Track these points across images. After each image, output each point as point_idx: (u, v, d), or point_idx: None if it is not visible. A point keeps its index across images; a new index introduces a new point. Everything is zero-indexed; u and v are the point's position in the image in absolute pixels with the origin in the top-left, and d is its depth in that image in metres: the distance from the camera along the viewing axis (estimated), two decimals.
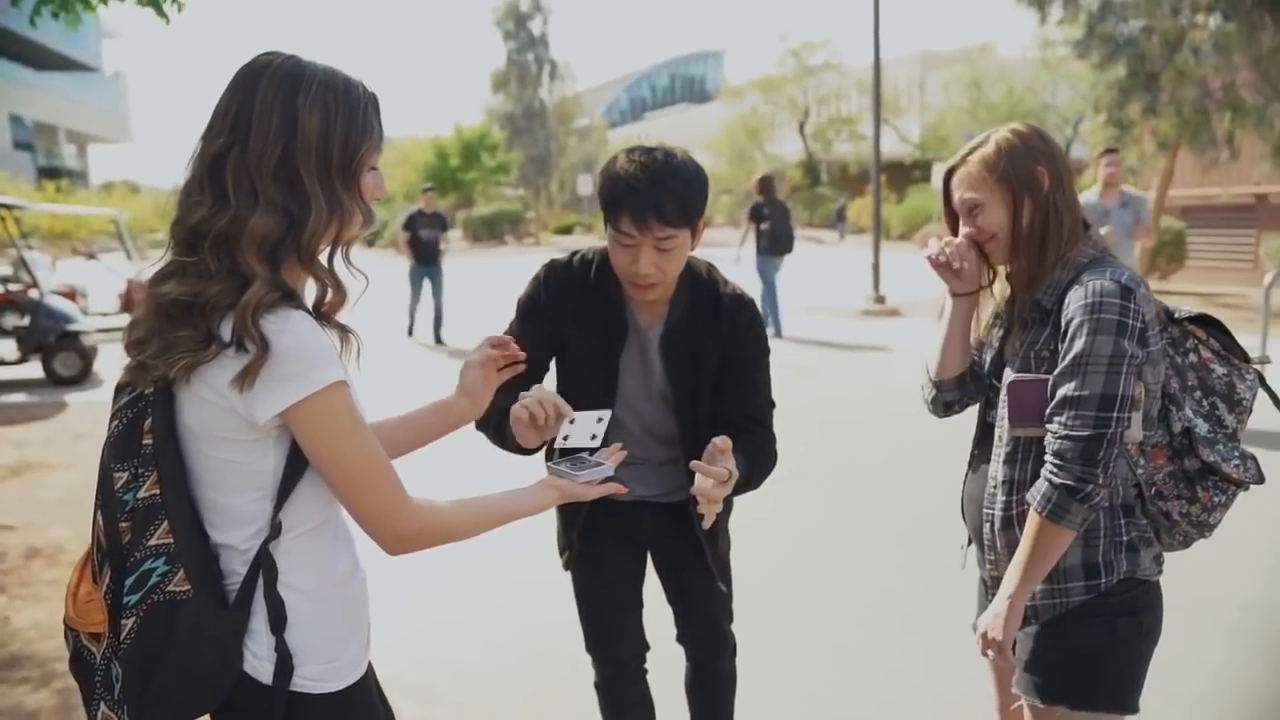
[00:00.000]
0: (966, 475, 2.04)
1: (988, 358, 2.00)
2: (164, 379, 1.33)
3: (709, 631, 2.43)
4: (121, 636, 1.33)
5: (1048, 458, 1.73)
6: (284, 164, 1.32)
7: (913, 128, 36.07)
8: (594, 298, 2.13)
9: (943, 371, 2.05)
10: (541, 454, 2.08)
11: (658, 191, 1.90)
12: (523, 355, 1.79)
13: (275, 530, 1.36)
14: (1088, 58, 15.09)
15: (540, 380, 2.18)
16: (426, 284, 11.63)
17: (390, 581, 3.37)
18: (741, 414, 2.10)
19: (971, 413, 2.12)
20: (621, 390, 2.16)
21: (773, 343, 2.22)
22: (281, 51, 1.39)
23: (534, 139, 43.01)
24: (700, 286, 2.13)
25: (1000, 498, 1.87)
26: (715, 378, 2.13)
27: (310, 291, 1.43)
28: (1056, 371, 1.74)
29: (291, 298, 1.34)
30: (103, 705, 1.37)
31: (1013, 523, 1.85)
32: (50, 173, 42.63)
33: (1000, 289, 1.99)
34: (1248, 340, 2.14)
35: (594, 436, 1.72)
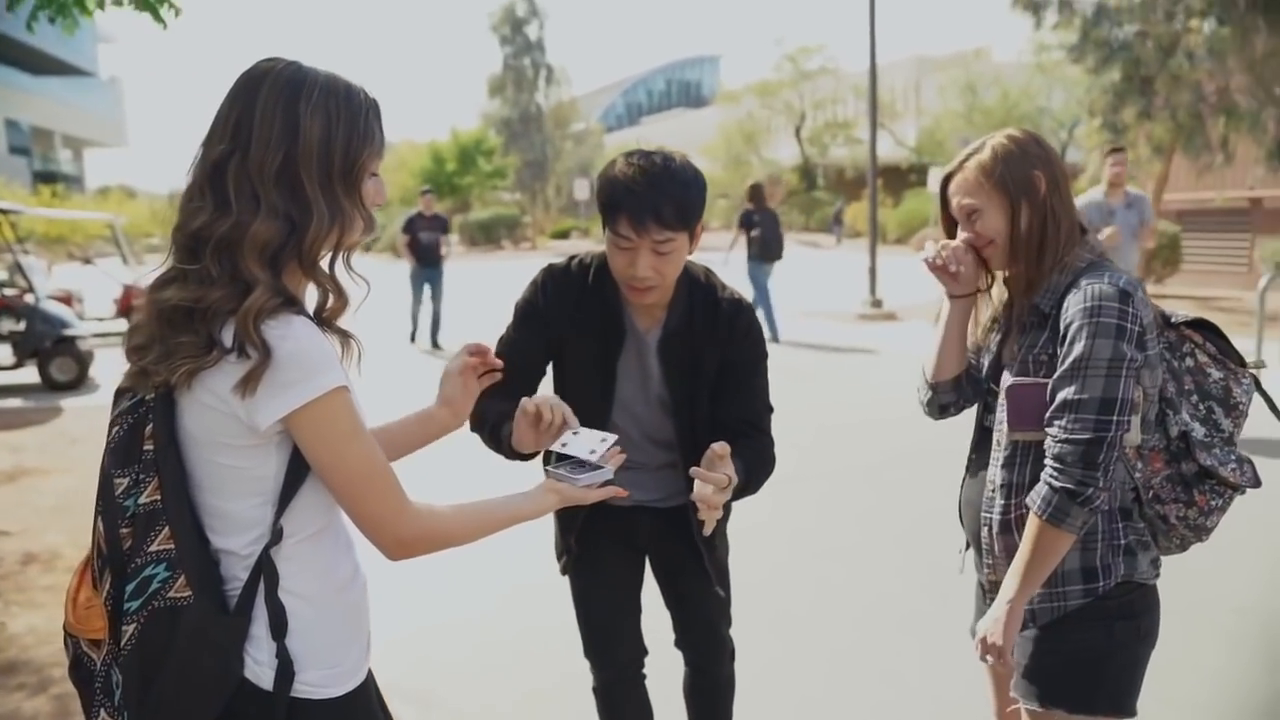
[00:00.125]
0: (964, 479, 2.05)
1: (985, 362, 2.01)
2: (165, 385, 1.33)
3: (707, 636, 2.43)
4: (122, 643, 1.33)
5: (1048, 461, 1.74)
6: (285, 170, 1.32)
7: (909, 132, 36.18)
8: (592, 302, 2.13)
9: (939, 373, 2.06)
10: (539, 461, 2.08)
11: (656, 194, 1.91)
12: (500, 364, 1.79)
13: (276, 536, 1.36)
14: (1082, 62, 15.15)
15: (537, 384, 2.19)
16: (427, 288, 11.51)
17: (387, 585, 3.36)
18: (740, 419, 2.11)
19: (968, 416, 2.13)
20: (619, 394, 2.17)
21: (770, 347, 2.22)
22: (283, 58, 1.39)
23: (530, 143, 42.98)
24: (698, 291, 2.14)
25: (999, 501, 1.88)
26: (713, 382, 2.13)
27: (311, 297, 1.43)
28: (1056, 375, 1.74)
29: (293, 303, 1.34)
30: (103, 712, 1.36)
31: (1011, 526, 1.86)
32: (46, 177, 42.54)
33: (998, 293, 2.00)
34: (1242, 343, 2.14)
35: (592, 451, 1.73)
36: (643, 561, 2.41)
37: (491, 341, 2.20)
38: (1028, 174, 1.83)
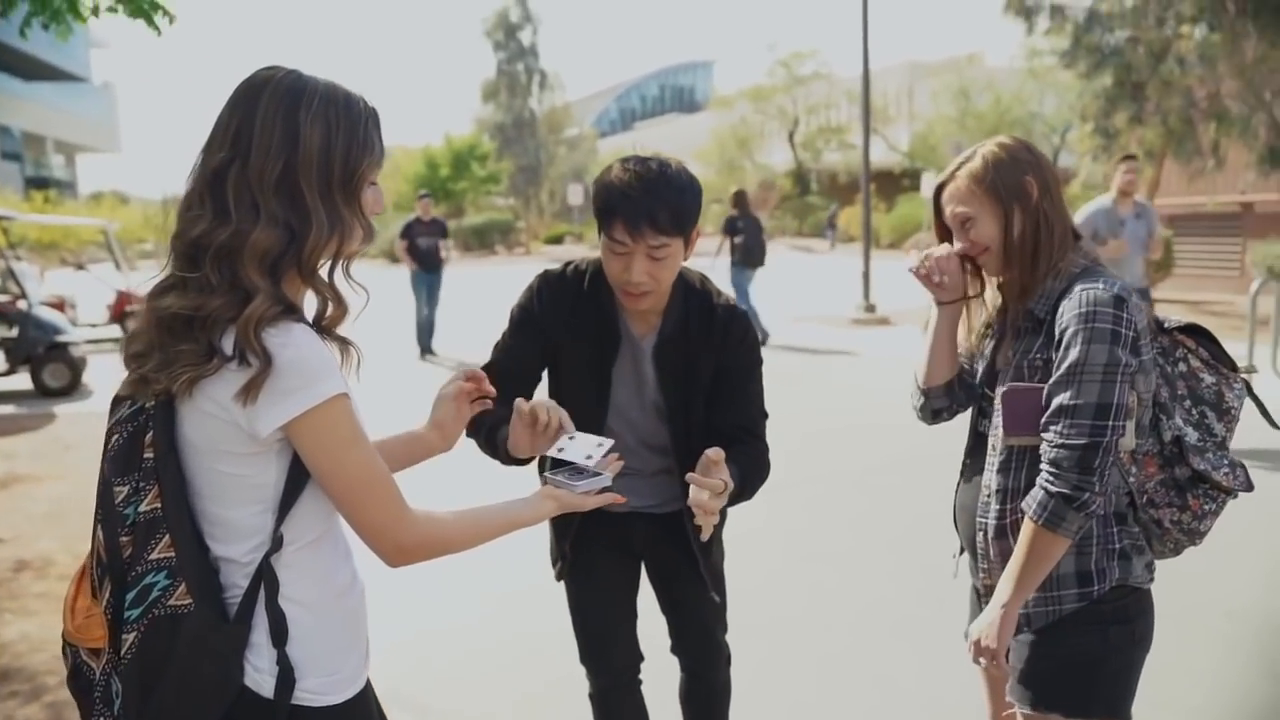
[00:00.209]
0: (958, 484, 2.05)
1: (980, 367, 2.02)
2: (166, 393, 1.33)
3: (703, 642, 2.43)
4: (122, 652, 1.32)
5: (1044, 466, 1.74)
6: (285, 178, 1.33)
7: (901, 137, 36.28)
8: (587, 307, 2.13)
9: (930, 379, 2.07)
10: (536, 467, 2.08)
11: (651, 200, 1.92)
12: (493, 391, 1.80)
13: (276, 543, 1.36)
14: (1074, 67, 15.22)
15: (532, 391, 2.19)
16: (427, 293, 11.30)
17: (380, 591, 3.36)
18: (735, 424, 2.11)
19: (961, 420, 2.13)
20: (614, 400, 2.17)
21: (763, 351, 2.23)
22: (282, 66, 1.39)
23: (524, 149, 43.02)
24: (694, 297, 2.14)
25: (994, 506, 1.88)
26: (708, 388, 2.14)
27: (310, 305, 1.43)
28: (1051, 380, 1.75)
29: (293, 311, 1.34)
30: None
31: (1006, 531, 1.86)
32: (38, 183, 42.50)
33: (992, 298, 2.01)
34: (1234, 347, 2.15)
35: (589, 457, 1.73)
36: (638, 567, 2.41)
37: (486, 348, 2.22)
38: (1019, 180, 1.84)
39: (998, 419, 1.87)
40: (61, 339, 9.70)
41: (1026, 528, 1.77)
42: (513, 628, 3.93)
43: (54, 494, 5.88)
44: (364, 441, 1.37)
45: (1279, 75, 12.94)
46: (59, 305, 11.72)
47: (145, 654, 1.31)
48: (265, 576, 1.36)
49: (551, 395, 2.23)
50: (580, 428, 2.17)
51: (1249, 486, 1.84)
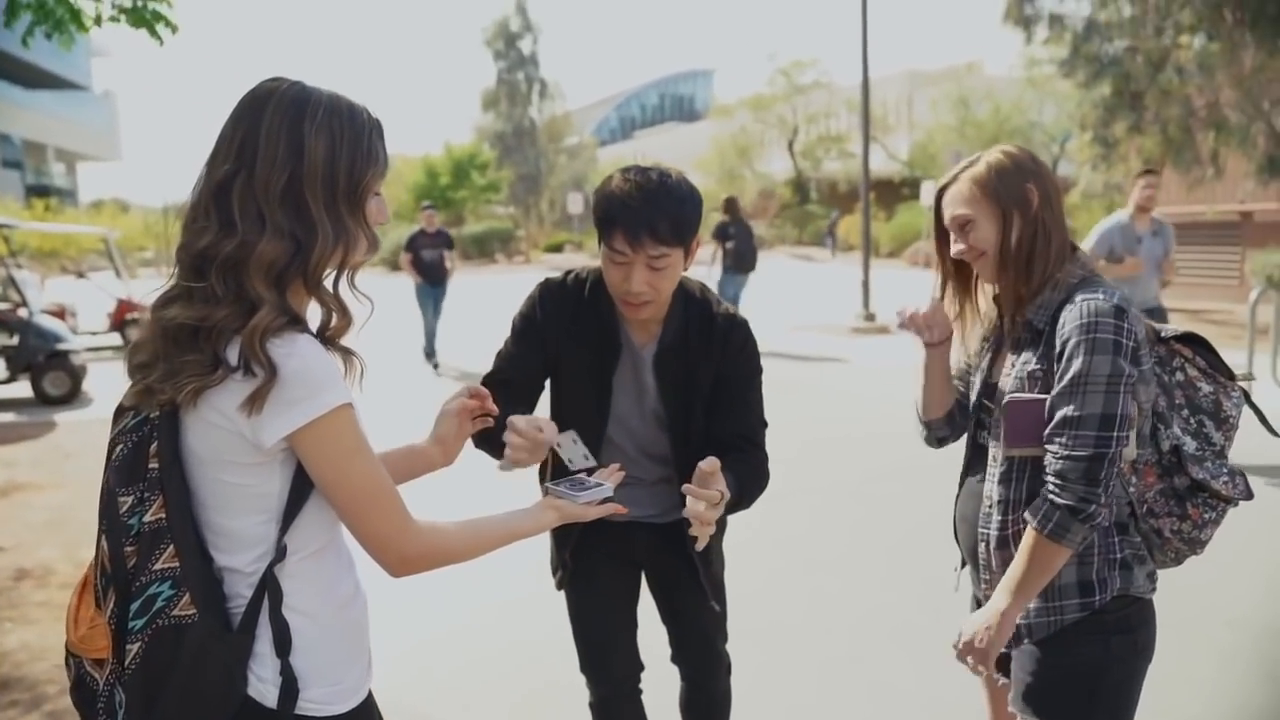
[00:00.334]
0: (958, 495, 2.06)
1: (976, 380, 2.02)
2: (170, 403, 1.33)
3: (703, 651, 2.43)
4: (126, 662, 1.32)
5: (1049, 478, 1.74)
6: (290, 190, 1.33)
7: (901, 146, 36.34)
8: (588, 316, 2.14)
9: (929, 413, 2.12)
10: (536, 477, 2.08)
11: (651, 210, 1.92)
12: (496, 410, 1.80)
13: (280, 553, 1.37)
14: (1073, 77, 15.26)
15: (536, 399, 2.20)
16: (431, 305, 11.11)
17: (383, 601, 3.36)
18: (734, 433, 2.12)
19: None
20: (615, 409, 2.18)
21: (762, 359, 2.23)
22: (286, 78, 1.40)
23: (524, 157, 43.08)
24: (694, 306, 2.15)
25: (995, 517, 1.88)
26: (708, 397, 2.14)
27: (315, 316, 1.44)
28: (1055, 392, 1.75)
29: (298, 322, 1.35)
30: None
31: (1009, 542, 1.86)
32: (39, 191, 42.52)
33: (988, 310, 2.02)
34: (1234, 356, 2.16)
35: (586, 456, 1.73)
36: (639, 576, 2.41)
37: (487, 357, 2.22)
38: (1021, 187, 1.85)
39: (998, 430, 1.87)
40: (62, 347, 9.70)
41: (1029, 537, 1.77)
42: (513, 636, 3.92)
43: (54, 502, 5.88)
44: (368, 452, 1.37)
45: (1277, 84, 12.98)
46: (59, 313, 11.74)
47: (149, 664, 1.31)
48: (269, 586, 1.36)
49: (553, 403, 2.24)
50: (581, 436, 2.18)
51: (1249, 495, 1.84)
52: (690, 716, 2.51)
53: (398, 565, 1.42)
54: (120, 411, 1.42)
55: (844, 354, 11.63)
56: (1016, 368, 1.86)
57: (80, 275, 15.57)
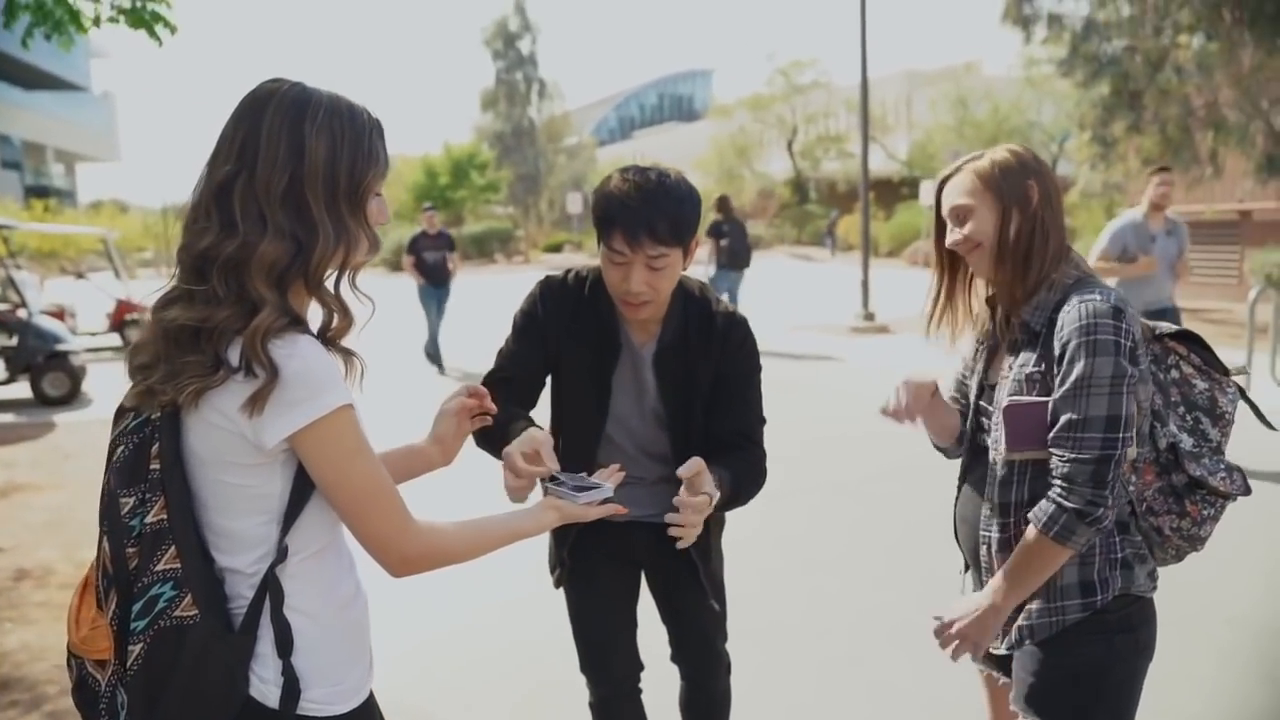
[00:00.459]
0: (957, 497, 2.06)
1: (973, 383, 2.02)
2: (171, 404, 1.33)
3: (703, 650, 2.43)
4: (128, 663, 1.33)
5: (1056, 481, 1.74)
6: (291, 191, 1.33)
7: (900, 145, 36.35)
8: (588, 314, 2.15)
9: (941, 440, 2.13)
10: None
11: (650, 210, 1.93)
12: (494, 409, 1.81)
13: (282, 554, 1.37)
14: (1072, 76, 15.27)
15: (537, 396, 2.20)
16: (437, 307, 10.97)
17: (383, 601, 3.36)
18: (733, 430, 2.12)
19: None
20: (614, 408, 2.18)
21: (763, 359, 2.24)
22: (287, 79, 1.40)
23: (523, 157, 43.10)
24: (693, 305, 2.15)
25: (997, 520, 1.88)
26: (708, 395, 2.15)
27: (315, 316, 1.44)
28: (1057, 396, 1.75)
29: (299, 323, 1.35)
30: None
31: (1011, 545, 1.86)
32: (38, 192, 42.51)
33: (980, 311, 2.01)
34: (1233, 355, 2.16)
35: (584, 475, 1.75)
36: (638, 576, 2.41)
37: (487, 357, 2.23)
38: (1023, 183, 1.85)
39: (998, 433, 1.87)
40: (61, 348, 9.71)
41: (1031, 537, 1.77)
42: (514, 636, 3.93)
43: (53, 503, 5.88)
44: (369, 453, 1.37)
45: (1276, 84, 13.00)
46: (59, 314, 11.74)
47: (151, 665, 1.31)
48: (270, 587, 1.36)
49: (552, 402, 2.24)
50: (580, 435, 2.19)
51: (1246, 490, 1.85)
52: (690, 716, 2.51)
53: (398, 565, 1.42)
54: (121, 413, 1.42)
55: (843, 353, 11.63)
56: (1014, 370, 1.85)
57: (79, 276, 15.56)
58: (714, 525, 2.31)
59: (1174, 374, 1.88)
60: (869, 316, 14.05)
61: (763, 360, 2.21)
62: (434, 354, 10.95)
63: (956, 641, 1.87)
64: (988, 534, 1.91)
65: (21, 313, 10.01)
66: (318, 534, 1.42)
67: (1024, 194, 1.85)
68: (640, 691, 2.46)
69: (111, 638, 1.35)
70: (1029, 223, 1.84)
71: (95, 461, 1.45)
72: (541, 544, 2.37)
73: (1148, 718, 1.90)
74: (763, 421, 2.18)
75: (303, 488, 1.37)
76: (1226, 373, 1.89)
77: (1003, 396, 1.86)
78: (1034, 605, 1.84)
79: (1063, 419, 1.73)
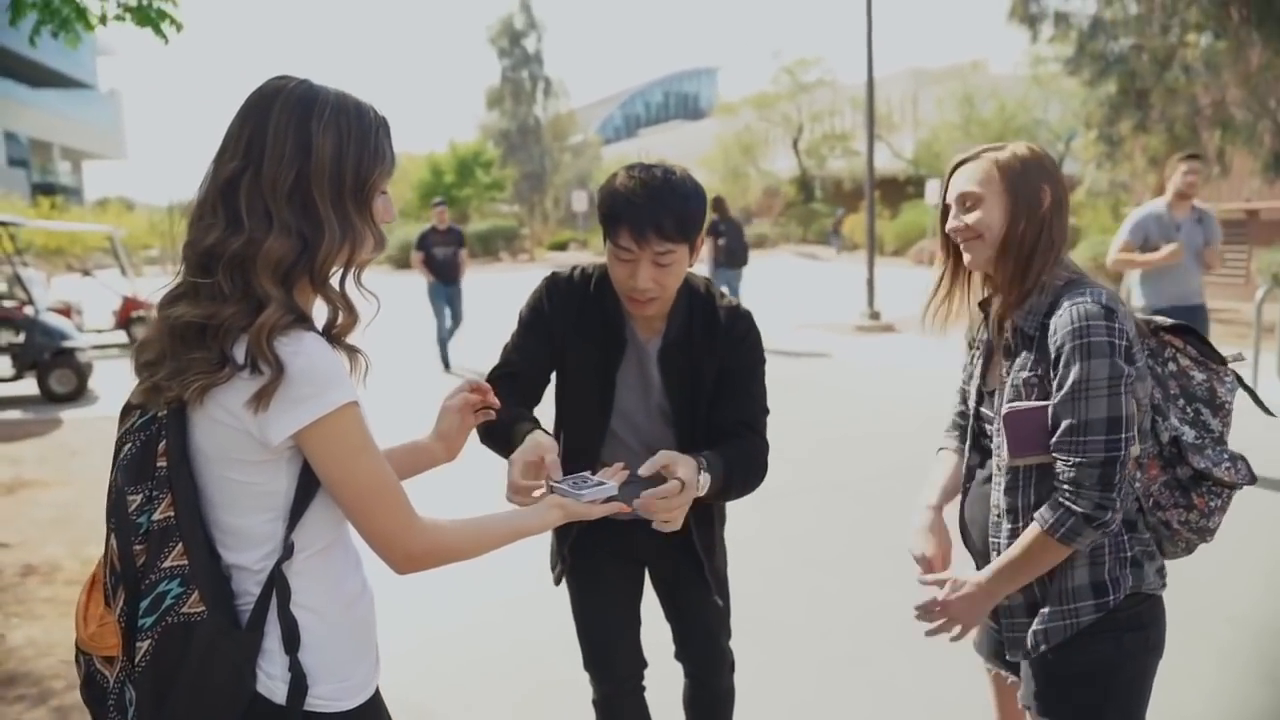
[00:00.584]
0: (964, 499, 2.05)
1: (971, 388, 2.01)
2: (177, 401, 1.34)
3: (707, 648, 2.43)
4: (136, 660, 1.33)
5: (1063, 485, 1.74)
6: (298, 187, 1.34)
7: (906, 144, 36.27)
8: (593, 311, 2.15)
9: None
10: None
11: (656, 207, 1.93)
12: (497, 403, 1.81)
13: (288, 551, 1.37)
14: (1079, 75, 15.23)
15: (542, 391, 2.20)
16: (446, 307, 10.80)
17: (388, 598, 3.38)
18: (735, 420, 2.12)
19: None
20: (619, 405, 2.18)
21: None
22: (293, 76, 1.40)
23: (529, 155, 43.11)
24: (698, 301, 2.16)
25: (1005, 525, 1.88)
26: (712, 391, 2.14)
27: (321, 313, 1.44)
28: (1057, 400, 1.74)
29: (305, 320, 1.35)
30: None
31: None
32: (45, 189, 42.64)
33: (974, 316, 2.00)
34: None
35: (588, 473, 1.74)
36: (642, 573, 2.41)
37: (494, 354, 2.23)
38: (1037, 185, 1.84)
39: (999, 439, 1.87)
40: (68, 345, 9.75)
41: (1035, 534, 1.77)
42: (517, 633, 3.93)
43: (60, 499, 5.90)
44: (374, 450, 1.38)
45: None
46: (65, 311, 11.77)
47: (159, 662, 1.32)
48: (277, 584, 1.37)
49: (558, 398, 2.25)
50: (585, 431, 2.19)
51: (1252, 479, 1.84)
52: (694, 714, 2.51)
53: (403, 562, 1.42)
54: (128, 410, 1.43)
55: (848, 352, 11.62)
56: (1011, 376, 1.84)
57: (86, 273, 15.60)
58: (716, 520, 2.31)
59: (1171, 367, 1.88)
60: (874, 315, 14.03)
61: (767, 359, 2.21)
62: (444, 352, 10.82)
63: (943, 619, 1.88)
64: (997, 540, 1.90)
65: (28, 310, 10.06)
66: (323, 531, 1.42)
67: (1037, 196, 1.83)
68: (643, 689, 2.46)
69: (119, 634, 1.35)
70: (1036, 226, 1.83)
71: (102, 458, 1.46)
72: (545, 542, 2.37)
73: (1148, 716, 1.89)
74: (766, 412, 2.18)
75: (308, 485, 1.38)
76: (1224, 362, 1.89)
77: (1002, 403, 1.85)
78: (1046, 609, 1.83)
79: (1064, 424, 1.73)
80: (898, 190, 33.83)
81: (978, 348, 2.01)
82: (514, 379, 2.12)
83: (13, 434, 8.12)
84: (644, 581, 2.42)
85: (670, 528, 1.84)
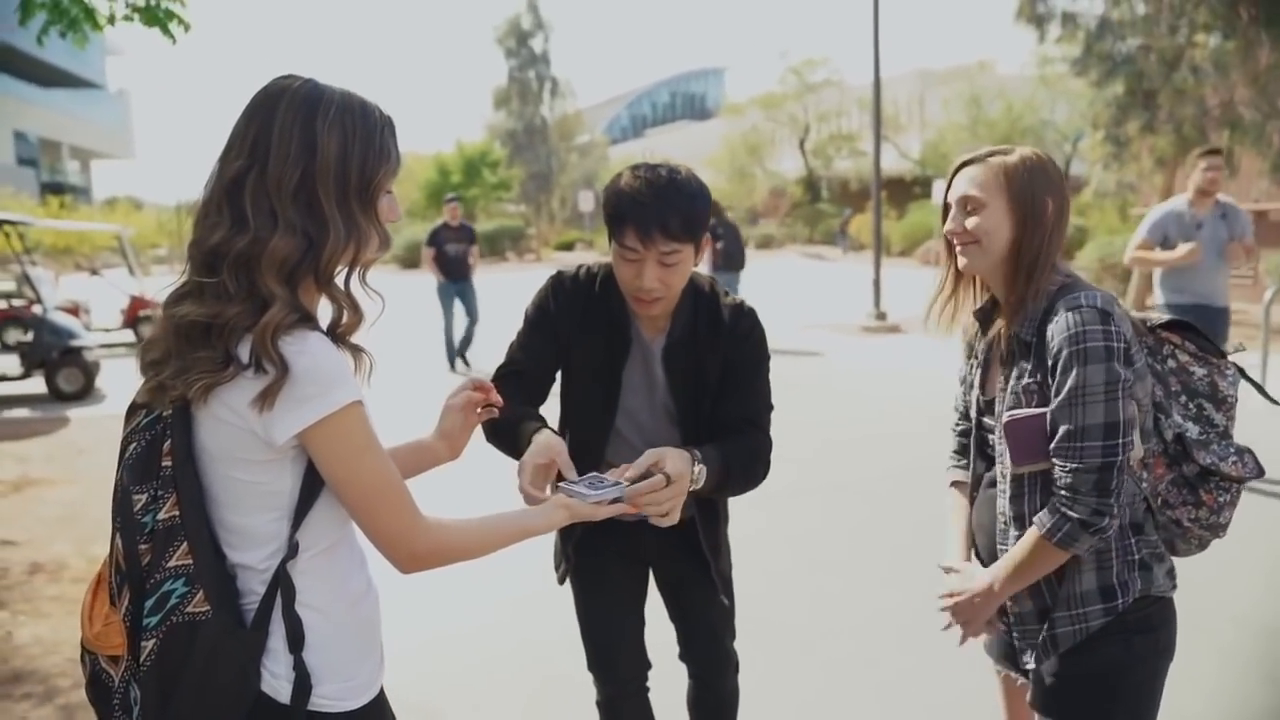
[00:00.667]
0: (972, 504, 2.04)
1: (972, 397, 2.01)
2: (182, 399, 1.34)
3: (711, 649, 2.42)
4: (141, 659, 1.33)
5: (1060, 491, 1.74)
6: (303, 187, 1.34)
7: (913, 144, 36.21)
8: (598, 310, 2.15)
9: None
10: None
11: (662, 206, 1.93)
12: (500, 401, 1.80)
13: (293, 550, 1.37)
14: (1086, 75, 15.17)
15: (548, 390, 2.20)
16: (459, 303, 10.64)
17: (392, 598, 3.39)
18: (739, 416, 2.12)
19: None
20: (624, 403, 2.18)
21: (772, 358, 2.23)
22: (299, 75, 1.40)
23: (535, 155, 43.13)
24: (702, 300, 2.16)
25: (1013, 533, 1.87)
26: (716, 389, 2.14)
27: (325, 313, 1.44)
28: (1054, 407, 1.74)
29: (309, 319, 1.35)
30: None
31: None
32: (53, 188, 42.78)
33: (968, 324, 1.99)
34: (1248, 357, 2.14)
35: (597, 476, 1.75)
36: (646, 574, 2.41)
37: (500, 354, 2.23)
38: (1042, 196, 1.82)
39: (1002, 447, 1.86)
40: (75, 343, 9.78)
41: (1034, 539, 1.77)
42: (522, 633, 3.93)
43: (67, 497, 5.92)
44: (378, 449, 1.38)
45: None
46: (73, 310, 11.81)
47: (164, 661, 1.32)
48: (282, 583, 1.37)
49: (562, 397, 2.25)
50: (590, 430, 2.19)
51: (1260, 471, 1.83)
52: (698, 715, 2.51)
53: (408, 562, 1.42)
54: (133, 409, 1.43)
55: (854, 353, 11.61)
56: (1011, 383, 1.84)
57: (94, 272, 15.65)
58: (721, 520, 2.31)
59: (1171, 363, 1.87)
60: (881, 316, 14.00)
61: (772, 359, 2.20)
62: (450, 351, 10.74)
63: (957, 617, 1.91)
64: (1004, 546, 1.89)
65: (37, 309, 10.10)
66: (328, 530, 1.42)
67: (1041, 207, 1.82)
68: (647, 690, 2.45)
69: (124, 634, 1.36)
70: (1039, 238, 1.81)
71: (108, 457, 1.46)
72: (551, 541, 2.37)
73: None
74: (770, 408, 2.17)
75: (312, 484, 1.38)
76: (1223, 355, 1.87)
77: (1003, 412, 1.85)
78: (1056, 614, 1.83)
79: (1061, 430, 1.73)
80: (904, 191, 33.76)
81: (975, 357, 2.00)
82: (519, 378, 2.13)
83: (20, 432, 8.15)
84: (648, 582, 2.42)
85: (667, 522, 1.83)
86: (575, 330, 2.15)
